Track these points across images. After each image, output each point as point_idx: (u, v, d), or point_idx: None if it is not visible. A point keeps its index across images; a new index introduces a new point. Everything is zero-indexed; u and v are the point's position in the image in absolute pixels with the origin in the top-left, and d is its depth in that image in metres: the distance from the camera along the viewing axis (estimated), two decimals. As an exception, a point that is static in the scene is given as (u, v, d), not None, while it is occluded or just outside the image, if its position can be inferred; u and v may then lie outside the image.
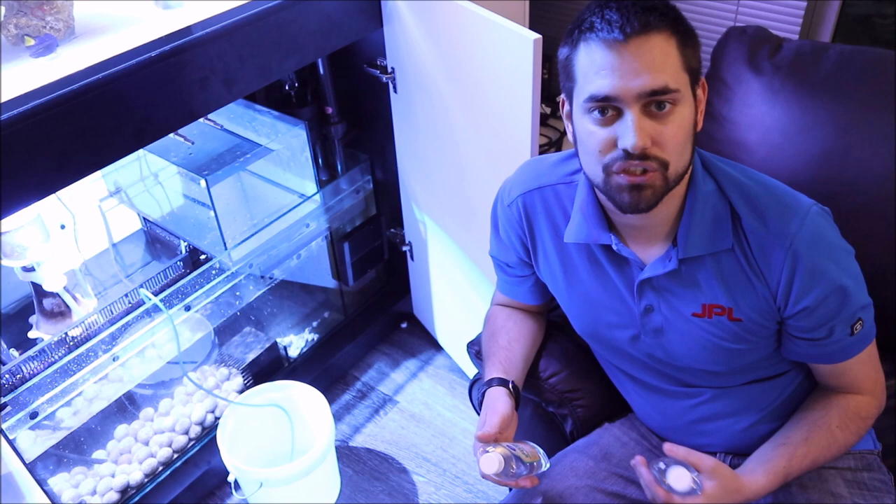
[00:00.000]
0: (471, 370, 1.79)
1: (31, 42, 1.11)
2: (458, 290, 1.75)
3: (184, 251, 1.71)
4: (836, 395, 0.96)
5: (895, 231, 1.14)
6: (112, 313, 1.49)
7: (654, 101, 0.78)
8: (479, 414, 1.19)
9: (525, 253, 1.06)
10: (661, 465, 0.90)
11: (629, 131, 0.78)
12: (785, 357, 0.96)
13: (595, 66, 0.78)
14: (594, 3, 0.80)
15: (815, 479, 1.00)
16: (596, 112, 0.80)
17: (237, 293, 1.62)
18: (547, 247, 1.02)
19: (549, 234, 1.00)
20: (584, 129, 0.83)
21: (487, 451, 0.91)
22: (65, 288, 1.43)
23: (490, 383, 1.04)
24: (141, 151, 1.57)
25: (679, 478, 0.88)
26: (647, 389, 1.06)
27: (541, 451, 0.99)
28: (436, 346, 2.01)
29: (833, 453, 0.95)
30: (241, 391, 1.67)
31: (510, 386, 1.03)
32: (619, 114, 0.79)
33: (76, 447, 1.58)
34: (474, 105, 1.39)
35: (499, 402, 1.00)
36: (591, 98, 0.79)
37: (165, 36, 1.19)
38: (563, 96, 0.88)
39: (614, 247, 0.93)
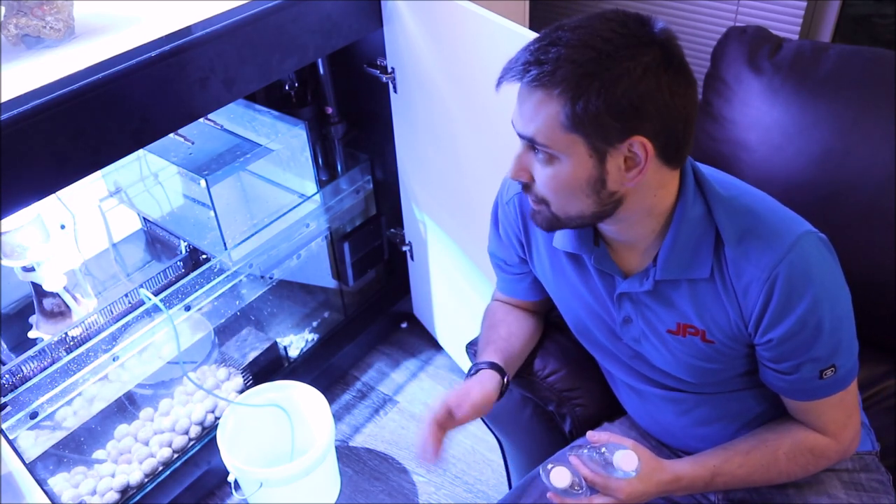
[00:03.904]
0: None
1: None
2: (458, 290, 1.75)
3: (184, 251, 1.71)
4: (800, 426, 0.95)
5: (895, 231, 1.14)
6: (112, 313, 1.49)
7: (532, 146, 0.82)
8: None
9: (522, 250, 1.06)
10: (604, 453, 0.92)
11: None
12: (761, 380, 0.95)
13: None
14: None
15: (812, 481, 1.00)
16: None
17: (237, 293, 1.62)
18: (539, 246, 1.03)
19: (542, 234, 1.01)
20: None
21: (557, 466, 0.92)
22: (65, 288, 1.43)
23: (485, 365, 1.04)
24: (141, 151, 1.57)
25: (626, 458, 0.89)
26: (636, 393, 1.07)
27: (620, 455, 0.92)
28: (436, 346, 2.01)
29: (772, 476, 0.94)
30: (241, 391, 1.67)
31: (505, 380, 1.04)
32: None
33: (76, 447, 1.58)
34: (474, 105, 1.39)
35: (479, 386, 1.00)
36: None
37: (165, 36, 1.19)
38: None
39: (592, 262, 0.94)
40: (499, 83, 0.81)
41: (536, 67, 0.77)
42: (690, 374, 0.95)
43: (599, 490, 0.91)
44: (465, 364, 1.88)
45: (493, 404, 1.02)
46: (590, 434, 0.95)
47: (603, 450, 0.91)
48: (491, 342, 1.10)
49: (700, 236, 0.87)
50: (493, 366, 1.04)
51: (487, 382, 1.01)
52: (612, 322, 0.98)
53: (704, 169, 0.90)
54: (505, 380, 1.04)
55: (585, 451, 0.94)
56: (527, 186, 0.86)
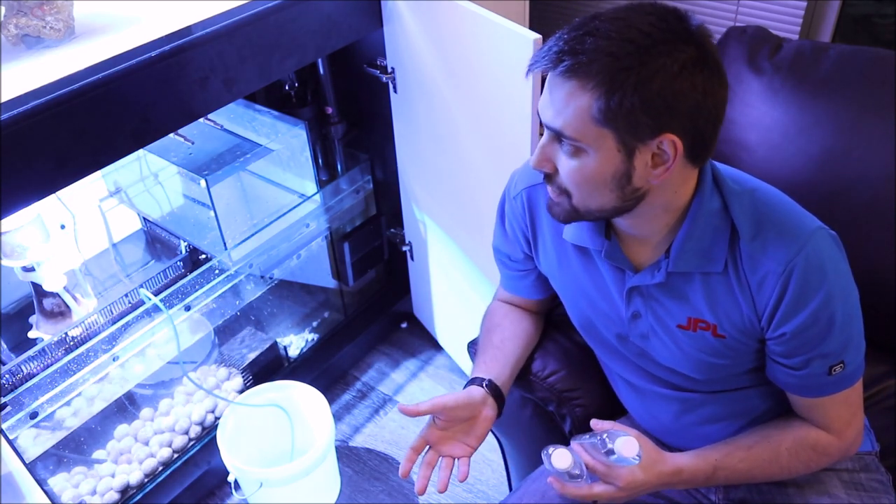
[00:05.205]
0: (471, 370, 1.79)
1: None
2: (458, 290, 1.75)
3: (184, 251, 1.71)
4: (803, 422, 0.95)
5: (895, 231, 1.14)
6: (112, 313, 1.49)
7: (558, 137, 0.80)
8: None
9: (528, 246, 1.06)
10: (605, 439, 0.91)
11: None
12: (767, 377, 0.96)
13: None
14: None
15: (812, 481, 1.00)
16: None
17: (237, 293, 1.62)
18: (546, 241, 1.02)
19: (550, 228, 1.01)
20: None
21: (559, 448, 0.92)
22: (65, 288, 1.43)
23: (471, 382, 1.04)
24: (141, 151, 1.57)
25: (627, 444, 0.88)
26: (638, 392, 1.07)
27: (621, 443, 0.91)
28: (436, 346, 2.01)
29: (774, 472, 0.94)
30: (241, 391, 1.67)
31: (484, 384, 1.03)
32: None
33: (76, 447, 1.58)
34: (474, 105, 1.39)
35: (455, 393, 1.00)
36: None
37: (165, 36, 1.19)
38: None
39: (603, 255, 0.93)
40: (529, 70, 0.80)
41: (571, 57, 0.75)
42: (698, 371, 0.95)
43: (600, 478, 0.91)
44: (466, 364, 1.88)
45: (490, 411, 1.01)
46: (594, 422, 0.95)
47: (605, 436, 0.91)
48: (482, 352, 1.10)
49: (716, 230, 0.87)
50: (478, 381, 1.04)
51: (457, 393, 1.01)
52: (618, 319, 0.98)
53: (719, 165, 0.91)
54: (484, 384, 1.03)
55: (587, 437, 0.94)
56: (548, 177, 0.84)
